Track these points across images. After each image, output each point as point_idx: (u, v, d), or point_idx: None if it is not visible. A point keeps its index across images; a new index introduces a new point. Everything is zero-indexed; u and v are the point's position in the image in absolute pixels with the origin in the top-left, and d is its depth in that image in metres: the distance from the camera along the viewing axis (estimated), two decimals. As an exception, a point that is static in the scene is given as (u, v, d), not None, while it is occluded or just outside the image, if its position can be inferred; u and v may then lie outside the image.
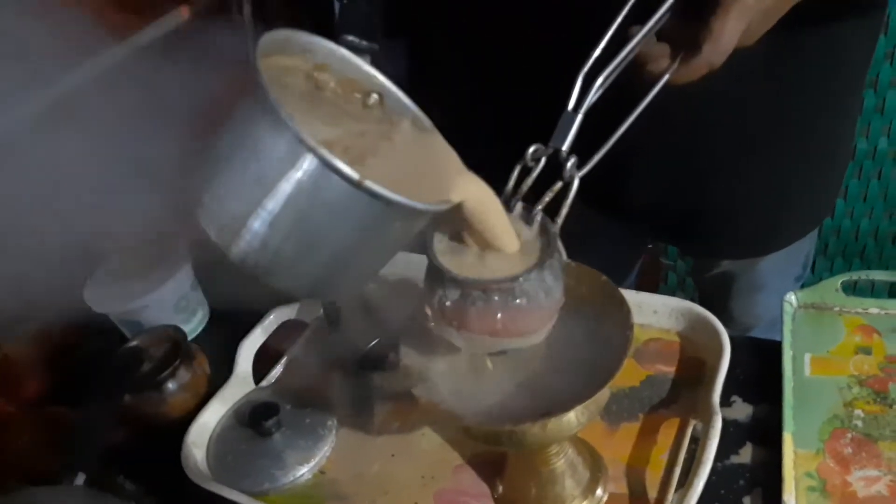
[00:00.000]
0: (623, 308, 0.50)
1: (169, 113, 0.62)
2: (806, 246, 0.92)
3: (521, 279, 0.42)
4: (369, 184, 0.37)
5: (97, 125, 0.67)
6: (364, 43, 0.55)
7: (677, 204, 0.82)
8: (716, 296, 0.98)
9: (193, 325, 0.87)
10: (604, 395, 0.48)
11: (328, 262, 0.42)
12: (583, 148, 0.46)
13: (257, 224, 0.39)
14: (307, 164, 0.38)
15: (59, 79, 0.70)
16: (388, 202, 0.38)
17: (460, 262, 0.45)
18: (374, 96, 0.48)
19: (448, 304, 0.43)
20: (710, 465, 0.55)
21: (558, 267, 0.44)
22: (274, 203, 0.39)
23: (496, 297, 0.42)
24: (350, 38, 0.55)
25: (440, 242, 0.46)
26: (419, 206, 0.39)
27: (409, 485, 0.65)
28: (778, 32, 0.50)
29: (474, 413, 0.48)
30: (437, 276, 0.44)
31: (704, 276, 0.98)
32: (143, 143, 0.64)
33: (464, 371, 0.51)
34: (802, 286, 0.92)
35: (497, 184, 0.47)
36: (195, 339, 0.87)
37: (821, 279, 0.77)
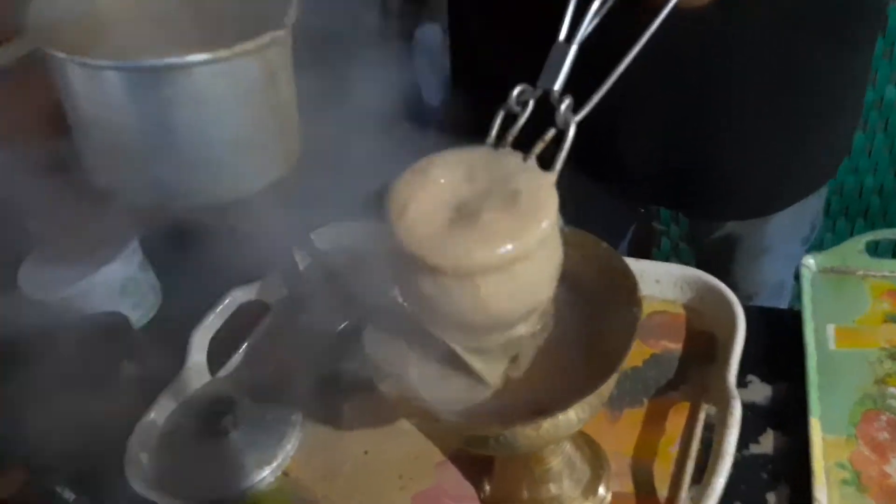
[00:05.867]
0: (628, 280, 0.42)
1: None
2: (814, 204, 0.85)
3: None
4: None
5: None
6: None
7: (678, 162, 0.75)
8: (716, 261, 0.91)
9: (144, 311, 0.78)
10: (608, 385, 0.39)
11: None
12: (576, 92, 0.38)
13: None
14: None
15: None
16: None
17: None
18: None
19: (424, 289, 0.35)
20: (730, 459, 0.48)
21: (558, 233, 0.36)
22: None
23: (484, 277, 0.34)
24: None
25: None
26: None
27: (385, 486, 0.57)
28: None
29: (453, 412, 0.40)
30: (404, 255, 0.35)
31: (705, 239, 0.90)
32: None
33: (441, 361, 0.42)
34: (809, 249, 0.86)
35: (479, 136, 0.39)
36: (146, 327, 0.78)
37: (822, 241, 0.69)
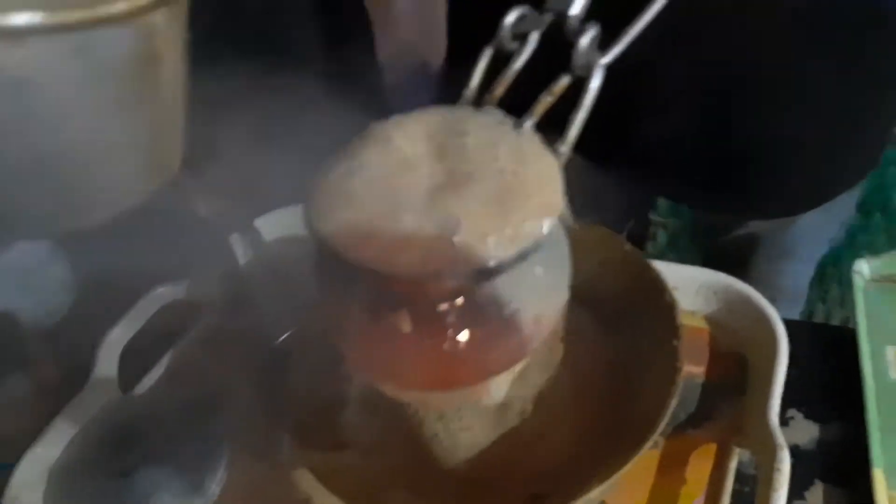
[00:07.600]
0: (663, 298, 0.30)
1: None
2: (849, 200, 0.73)
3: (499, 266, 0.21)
4: None
5: None
6: None
7: (703, 144, 0.63)
8: (728, 263, 0.79)
9: (49, 311, 0.65)
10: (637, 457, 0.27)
11: None
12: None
13: None
14: None
15: None
16: None
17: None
18: None
19: (360, 324, 0.23)
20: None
21: (563, 237, 0.24)
22: None
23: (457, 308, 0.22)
24: None
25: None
26: None
27: (329, 547, 0.45)
28: None
29: (409, 487, 0.28)
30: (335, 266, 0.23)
31: (717, 238, 0.79)
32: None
33: (396, 414, 0.30)
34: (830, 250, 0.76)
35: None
36: (52, 331, 0.65)
37: (853, 242, 0.58)
